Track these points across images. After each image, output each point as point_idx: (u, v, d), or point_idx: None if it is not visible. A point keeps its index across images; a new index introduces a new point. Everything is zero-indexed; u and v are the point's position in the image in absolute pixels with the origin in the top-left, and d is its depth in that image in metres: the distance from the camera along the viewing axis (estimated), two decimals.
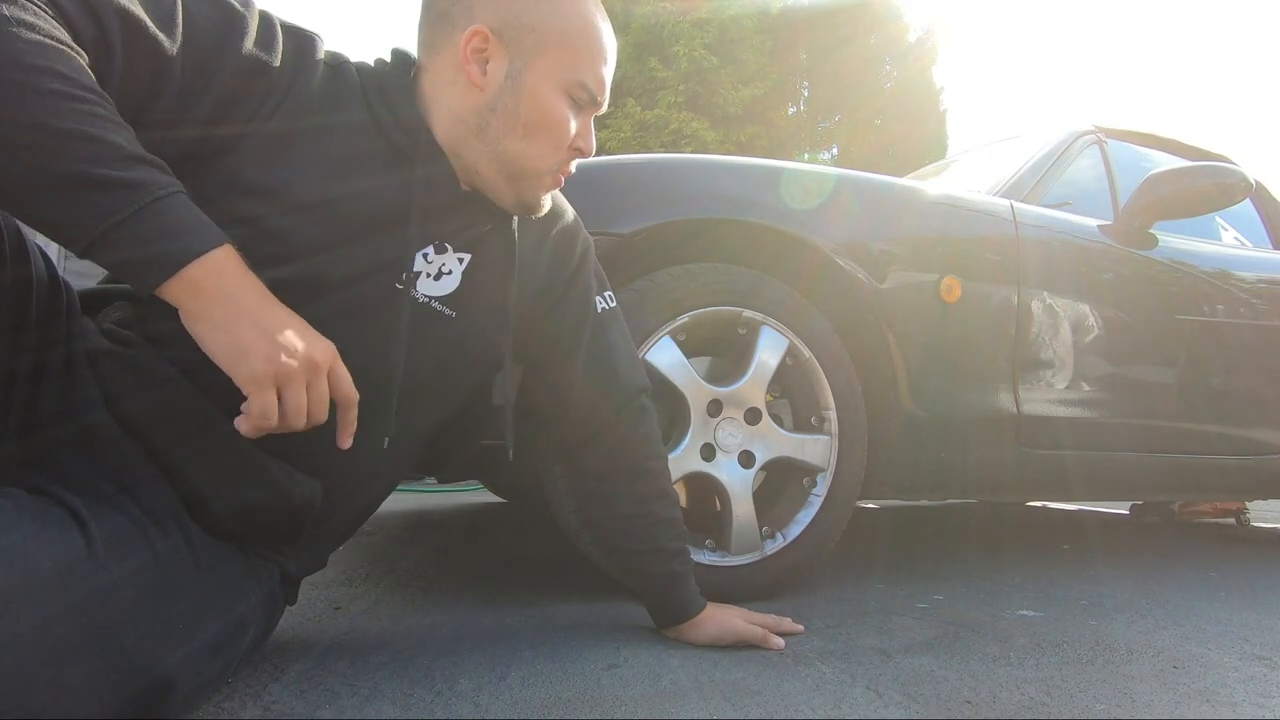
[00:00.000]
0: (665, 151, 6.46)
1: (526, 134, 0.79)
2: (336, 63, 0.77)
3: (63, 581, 0.53)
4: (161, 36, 0.63)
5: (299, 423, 0.62)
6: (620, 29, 7.84)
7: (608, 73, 0.83)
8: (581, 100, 0.81)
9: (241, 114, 0.68)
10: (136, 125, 0.62)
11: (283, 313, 0.63)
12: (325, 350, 0.65)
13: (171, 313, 0.62)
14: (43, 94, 0.54)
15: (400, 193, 0.77)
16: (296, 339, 0.62)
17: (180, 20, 0.64)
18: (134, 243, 0.56)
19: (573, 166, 0.85)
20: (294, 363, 0.61)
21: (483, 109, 0.78)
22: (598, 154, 0.91)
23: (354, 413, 0.68)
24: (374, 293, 0.76)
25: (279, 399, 0.61)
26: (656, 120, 7.43)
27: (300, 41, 0.74)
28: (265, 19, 0.71)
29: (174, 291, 0.58)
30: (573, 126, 0.81)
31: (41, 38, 0.55)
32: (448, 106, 0.79)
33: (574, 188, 1.04)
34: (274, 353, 0.60)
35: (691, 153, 3.87)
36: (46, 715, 0.50)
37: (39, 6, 0.56)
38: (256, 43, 0.69)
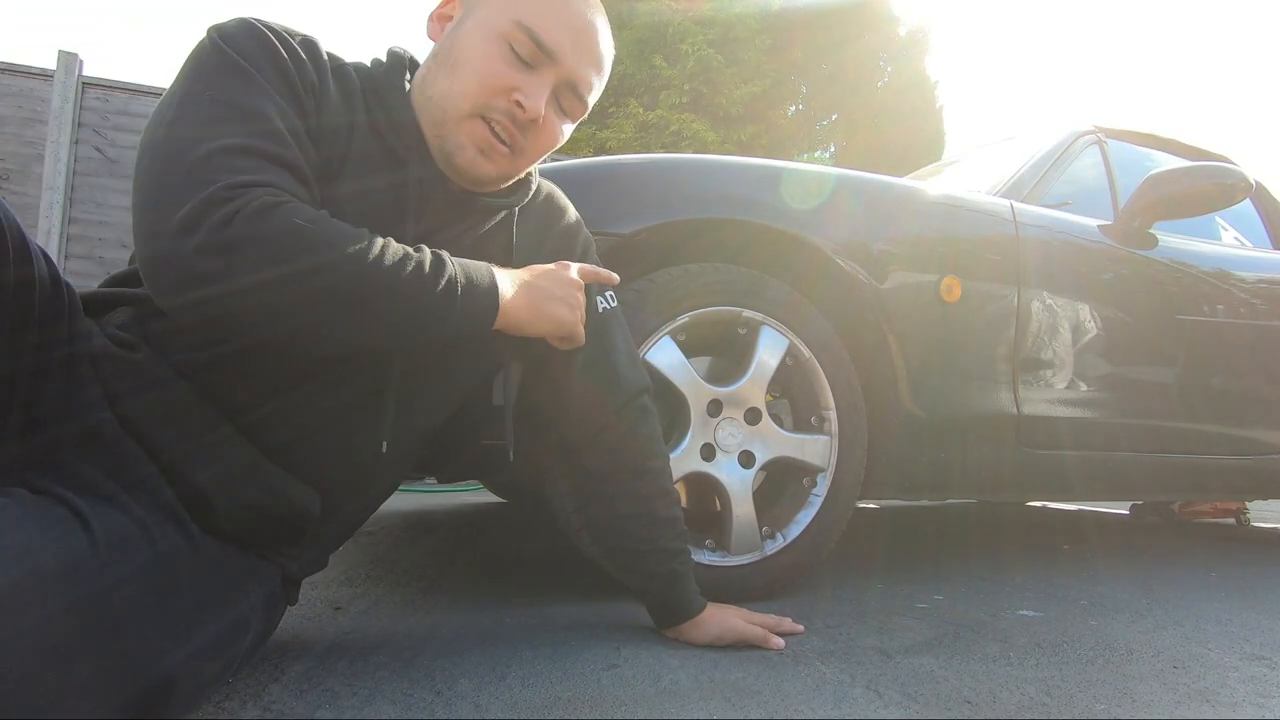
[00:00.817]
0: (666, 151, 6.46)
1: (450, 71, 0.76)
2: (337, 64, 0.77)
3: (65, 581, 0.53)
4: (305, 147, 0.70)
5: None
6: (623, 26, 7.83)
7: (563, 28, 0.77)
8: (522, 48, 0.75)
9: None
10: None
11: (542, 275, 0.82)
12: (575, 270, 0.87)
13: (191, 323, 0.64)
14: (377, 259, 0.65)
15: (394, 196, 0.77)
16: (562, 283, 0.83)
17: (280, 113, 0.68)
18: (469, 307, 0.72)
19: (517, 129, 0.77)
20: (580, 295, 0.85)
21: (431, 65, 0.79)
22: (598, 154, 0.91)
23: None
24: None
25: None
26: (658, 121, 7.43)
27: (308, 46, 0.74)
28: (279, 36, 0.71)
29: (500, 325, 0.76)
30: (508, 74, 0.75)
31: (323, 224, 0.64)
32: (424, 92, 0.79)
33: (574, 187, 1.04)
34: (567, 303, 0.83)
35: (691, 153, 3.87)
36: (48, 715, 0.50)
37: (291, 195, 0.64)
38: (296, 68, 0.71)
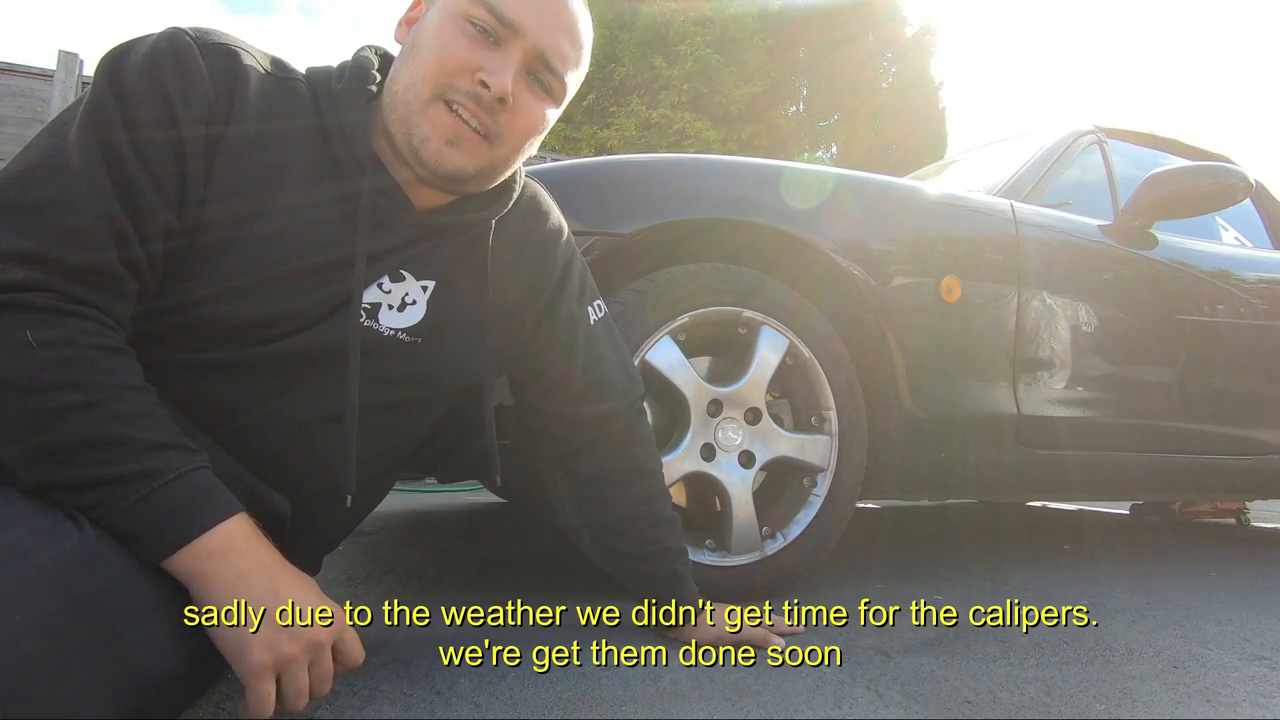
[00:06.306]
0: (668, 151, 6.46)
1: (411, 60, 0.71)
2: (284, 75, 0.72)
3: (63, 580, 0.52)
4: (162, 208, 0.63)
5: (300, 705, 0.60)
6: (624, 28, 7.84)
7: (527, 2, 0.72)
8: (482, 22, 0.70)
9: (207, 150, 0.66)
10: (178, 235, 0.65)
11: (290, 583, 0.61)
12: (332, 620, 0.62)
13: (147, 334, 0.64)
14: (59, 411, 0.56)
15: (343, 209, 0.72)
16: (300, 614, 0.60)
17: (153, 172, 0.63)
18: (142, 523, 0.58)
19: (486, 112, 0.71)
20: (295, 647, 0.59)
21: (396, 64, 0.74)
22: (598, 154, 0.89)
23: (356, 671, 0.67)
24: (333, 330, 0.72)
25: (278, 684, 0.59)
26: (660, 120, 7.44)
27: (224, 56, 0.67)
28: (177, 50, 0.65)
29: (179, 567, 0.59)
30: (469, 52, 0.70)
31: (62, 352, 0.57)
32: (390, 91, 0.74)
33: (574, 187, 1.04)
34: (275, 638, 0.58)
35: (694, 152, 3.87)
36: (46, 714, 0.50)
37: (60, 309, 0.58)
38: (183, 97, 0.64)
